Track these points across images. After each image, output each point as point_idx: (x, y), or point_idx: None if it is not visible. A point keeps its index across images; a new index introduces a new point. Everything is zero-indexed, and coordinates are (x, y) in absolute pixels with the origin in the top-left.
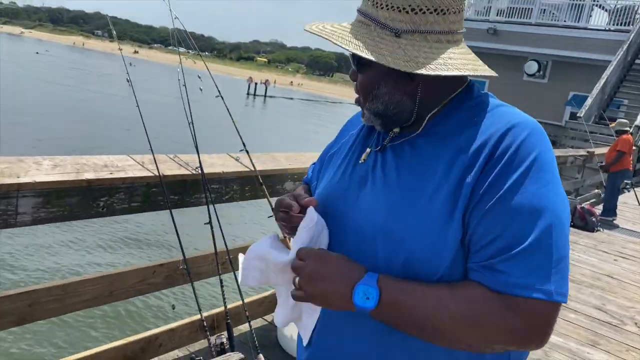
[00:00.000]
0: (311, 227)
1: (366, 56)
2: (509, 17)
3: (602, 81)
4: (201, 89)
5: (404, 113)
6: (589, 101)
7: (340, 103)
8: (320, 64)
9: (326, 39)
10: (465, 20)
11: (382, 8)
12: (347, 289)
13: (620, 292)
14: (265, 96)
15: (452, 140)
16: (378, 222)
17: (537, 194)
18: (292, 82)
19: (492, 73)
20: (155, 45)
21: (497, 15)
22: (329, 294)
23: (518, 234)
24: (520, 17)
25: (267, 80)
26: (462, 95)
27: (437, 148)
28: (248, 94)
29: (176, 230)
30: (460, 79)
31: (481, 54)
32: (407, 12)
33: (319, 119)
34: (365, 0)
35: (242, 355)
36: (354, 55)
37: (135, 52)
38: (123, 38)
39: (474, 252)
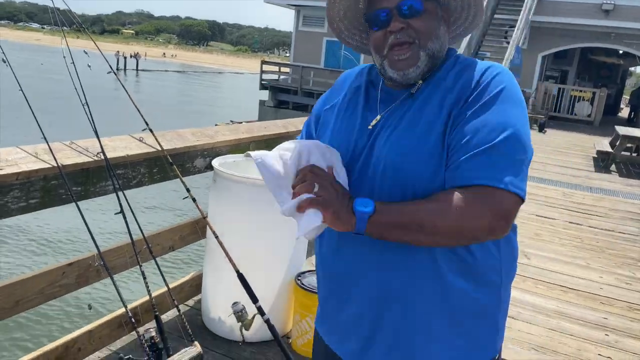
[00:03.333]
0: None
1: None
2: None
3: (467, 38)
4: (89, 66)
5: (440, 59)
6: None
7: (220, 73)
8: (193, 33)
9: None
10: (272, 4)
11: None
12: (349, 201)
13: None
14: (137, 70)
15: (443, 85)
16: (390, 158)
17: (502, 111)
18: (164, 53)
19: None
20: (2, 22)
21: None
22: (337, 207)
23: (482, 139)
24: None
25: (137, 53)
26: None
27: (431, 93)
28: (118, 69)
29: (86, 224)
30: None
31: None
32: None
33: (204, 90)
34: None
35: (200, 350)
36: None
37: None
38: None
39: (448, 159)
